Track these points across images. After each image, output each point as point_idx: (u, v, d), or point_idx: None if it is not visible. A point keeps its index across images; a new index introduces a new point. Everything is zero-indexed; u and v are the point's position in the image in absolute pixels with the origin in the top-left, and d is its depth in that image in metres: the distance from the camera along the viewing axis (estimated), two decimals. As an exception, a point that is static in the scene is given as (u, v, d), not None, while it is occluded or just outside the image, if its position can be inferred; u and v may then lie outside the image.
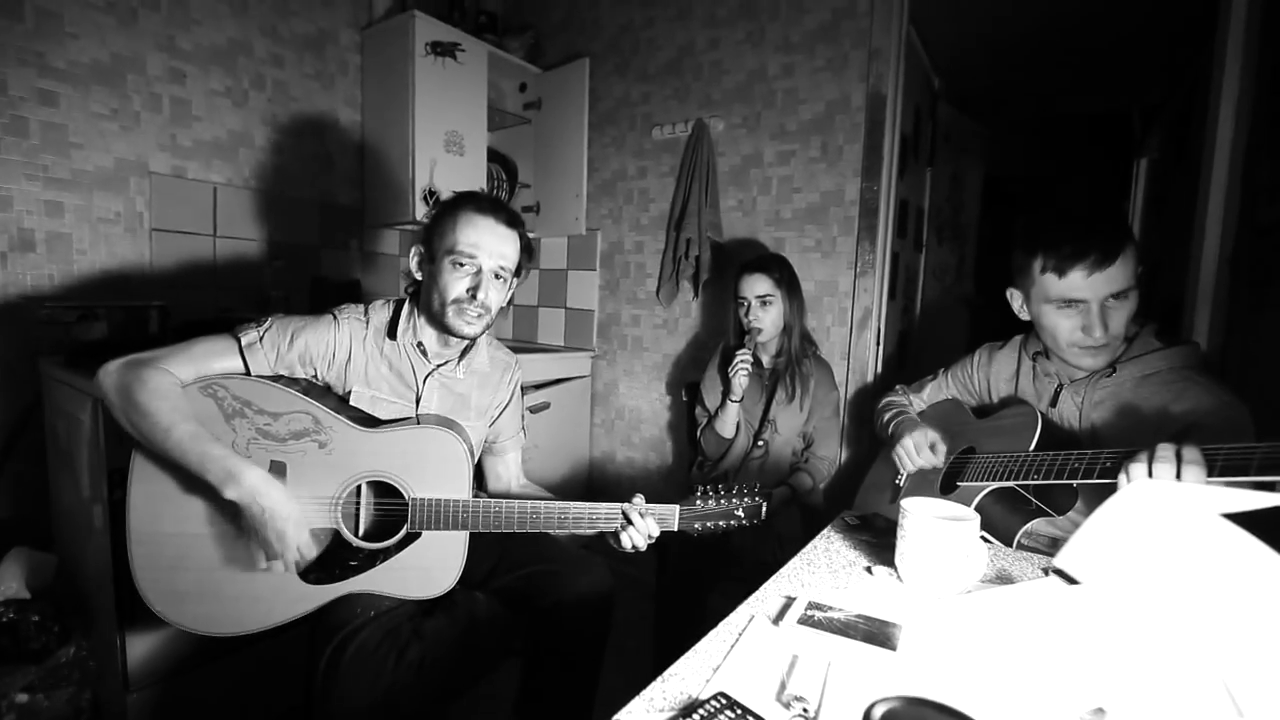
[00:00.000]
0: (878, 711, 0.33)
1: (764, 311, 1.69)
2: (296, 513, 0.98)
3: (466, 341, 1.19)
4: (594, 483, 2.64)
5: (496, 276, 1.12)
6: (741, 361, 1.63)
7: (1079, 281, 1.04)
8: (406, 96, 2.12)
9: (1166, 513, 0.50)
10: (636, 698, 0.59)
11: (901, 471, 1.27)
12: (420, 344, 1.17)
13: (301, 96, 2.13)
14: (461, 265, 1.09)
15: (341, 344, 1.13)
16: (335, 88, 2.22)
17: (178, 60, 1.84)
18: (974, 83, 3.06)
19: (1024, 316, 1.17)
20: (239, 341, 1.06)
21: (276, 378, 1.09)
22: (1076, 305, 1.06)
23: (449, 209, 1.12)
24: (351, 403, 1.13)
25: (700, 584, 1.53)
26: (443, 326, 1.13)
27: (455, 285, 1.09)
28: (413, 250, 1.16)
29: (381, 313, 1.18)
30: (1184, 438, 0.82)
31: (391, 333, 1.16)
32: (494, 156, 2.59)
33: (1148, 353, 1.08)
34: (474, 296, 1.10)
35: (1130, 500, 0.51)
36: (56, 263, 1.67)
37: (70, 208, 1.68)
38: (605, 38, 2.46)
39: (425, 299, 1.14)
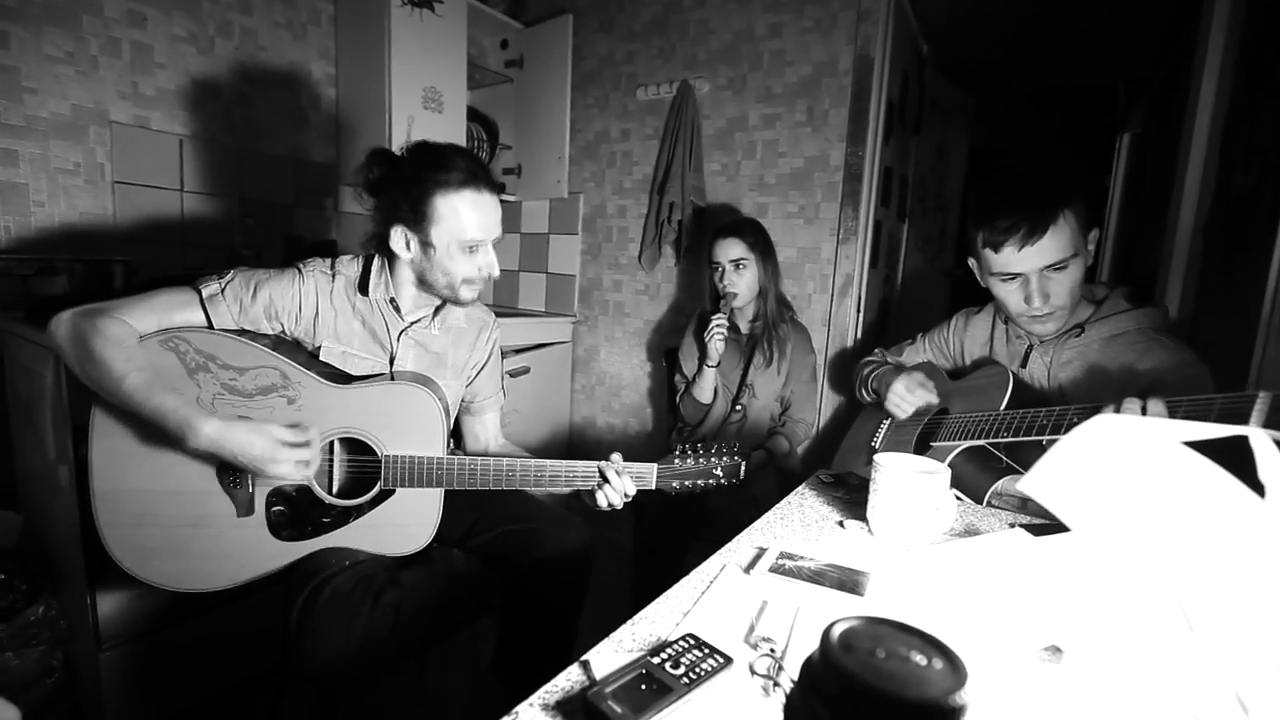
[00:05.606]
0: (837, 630, 0.33)
1: (738, 276, 1.68)
2: (266, 441, 0.94)
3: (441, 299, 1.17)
4: (574, 448, 2.64)
5: (494, 244, 1.13)
6: (717, 326, 1.62)
7: (1012, 256, 1.04)
8: (383, 50, 2.04)
9: (1127, 444, 0.51)
10: (606, 639, 0.60)
11: (898, 416, 1.26)
12: (393, 300, 1.14)
13: (271, 46, 2.04)
14: (475, 250, 1.09)
15: (307, 297, 1.10)
16: (307, 38, 2.13)
17: (137, 2, 1.75)
18: (962, 51, 3.02)
19: (984, 285, 1.18)
20: (200, 293, 1.03)
21: (242, 332, 1.06)
22: (1016, 278, 1.07)
23: (440, 186, 1.04)
24: (322, 358, 1.10)
25: (677, 543, 1.55)
26: (450, 300, 1.14)
27: (469, 267, 1.09)
28: (397, 230, 1.06)
29: (351, 267, 1.16)
30: (1148, 394, 0.85)
31: (363, 288, 1.13)
32: (474, 116, 2.52)
33: (1115, 314, 1.10)
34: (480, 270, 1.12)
35: (1092, 433, 0.52)
36: (12, 214, 1.60)
37: (26, 156, 1.61)
38: (589, -8, 2.38)
39: (424, 276, 1.10)
